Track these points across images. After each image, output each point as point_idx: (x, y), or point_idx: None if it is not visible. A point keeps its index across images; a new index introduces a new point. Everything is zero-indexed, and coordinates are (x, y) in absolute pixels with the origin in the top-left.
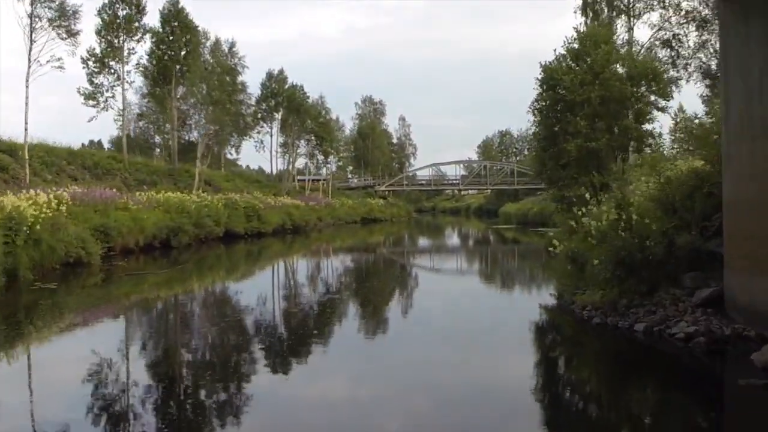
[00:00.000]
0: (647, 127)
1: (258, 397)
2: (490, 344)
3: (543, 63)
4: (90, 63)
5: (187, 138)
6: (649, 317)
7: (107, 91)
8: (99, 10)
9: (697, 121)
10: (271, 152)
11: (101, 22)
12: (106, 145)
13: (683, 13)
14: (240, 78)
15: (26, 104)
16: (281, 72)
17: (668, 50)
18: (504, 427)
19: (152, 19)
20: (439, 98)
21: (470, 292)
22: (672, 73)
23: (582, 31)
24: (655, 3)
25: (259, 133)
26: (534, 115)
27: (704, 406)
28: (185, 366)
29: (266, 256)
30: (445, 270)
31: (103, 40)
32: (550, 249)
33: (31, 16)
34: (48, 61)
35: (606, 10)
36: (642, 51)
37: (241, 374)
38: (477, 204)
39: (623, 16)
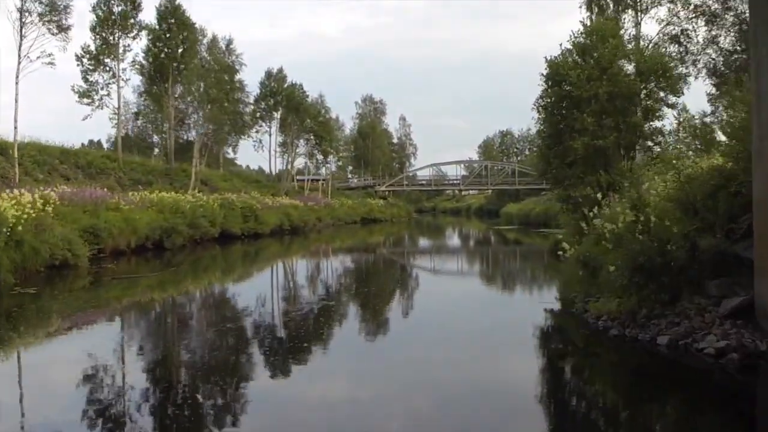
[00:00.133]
0: (656, 124)
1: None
2: (499, 359)
3: (548, 58)
4: (84, 60)
5: (185, 137)
6: (673, 329)
7: (102, 89)
8: (94, 6)
9: (707, 119)
10: (269, 152)
11: (96, 19)
12: (105, 145)
13: (692, 7)
14: (238, 76)
15: (16, 101)
16: (280, 71)
17: (676, 46)
18: None
19: (148, 15)
20: (440, 98)
21: (473, 297)
22: (681, 69)
23: (589, 24)
24: None
25: (257, 132)
26: (538, 112)
27: (740, 429)
28: (169, 382)
29: (263, 257)
30: (447, 273)
31: (97, 36)
32: (560, 253)
33: (20, 10)
34: (38, 57)
35: (612, 5)
36: (650, 47)
37: (232, 391)
38: (478, 204)
39: (630, 11)
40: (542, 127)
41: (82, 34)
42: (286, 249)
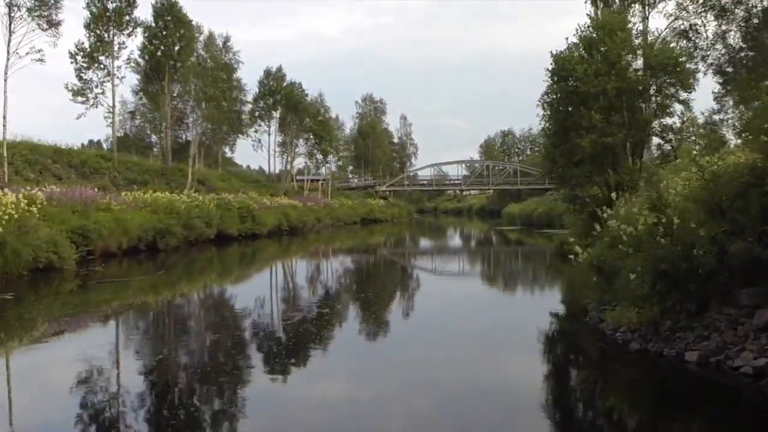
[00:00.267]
0: (667, 121)
1: None
2: (509, 377)
3: (554, 52)
4: (78, 58)
5: (184, 137)
6: (702, 344)
7: (97, 87)
8: (88, 3)
9: (716, 116)
10: (268, 151)
11: (90, 15)
12: (105, 146)
13: (701, 1)
14: (236, 74)
15: (5, 98)
16: (279, 69)
17: (685, 41)
18: None
19: (143, 12)
20: (440, 98)
21: (478, 303)
22: (689, 65)
23: (596, 17)
24: None
25: (256, 131)
26: (543, 108)
27: None
28: (147, 400)
29: (259, 259)
30: (448, 275)
31: (92, 33)
32: (571, 256)
33: (9, 5)
34: (27, 53)
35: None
36: (658, 42)
37: (219, 408)
38: (479, 204)
39: (636, 5)
40: (547, 125)
41: (77, 31)
42: (284, 250)
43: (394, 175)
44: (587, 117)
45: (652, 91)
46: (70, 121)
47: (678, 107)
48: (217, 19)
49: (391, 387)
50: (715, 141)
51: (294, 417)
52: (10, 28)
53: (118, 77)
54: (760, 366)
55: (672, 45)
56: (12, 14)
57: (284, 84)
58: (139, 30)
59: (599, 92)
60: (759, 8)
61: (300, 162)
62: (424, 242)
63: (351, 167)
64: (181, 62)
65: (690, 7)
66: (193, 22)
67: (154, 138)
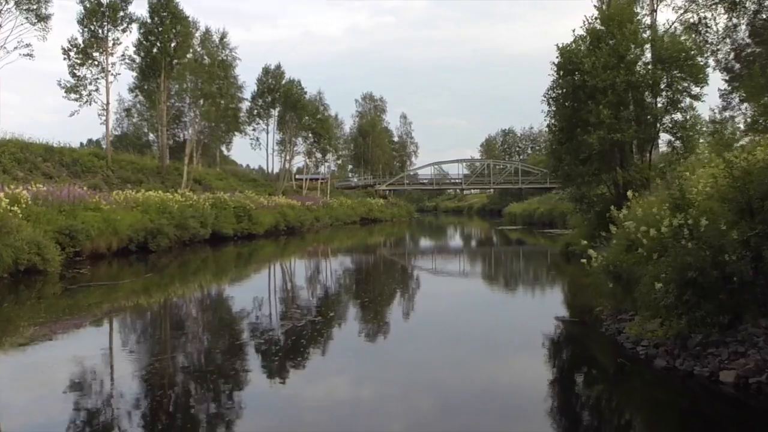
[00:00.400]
0: (678, 117)
1: None
2: (519, 398)
3: (560, 45)
4: (72, 54)
5: (182, 136)
6: (739, 361)
7: (90, 84)
8: None
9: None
10: (267, 150)
11: (83, 10)
12: (104, 145)
13: None
14: (233, 71)
15: None
16: (278, 67)
17: (694, 35)
18: None
19: (139, 8)
20: (441, 98)
21: (484, 310)
22: (698, 60)
23: (604, 8)
24: None
25: (254, 130)
26: (548, 104)
27: None
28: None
29: (255, 260)
30: (450, 276)
31: (85, 29)
32: (583, 261)
33: None
34: (15, 48)
35: None
36: (667, 35)
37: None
38: (480, 204)
39: None
40: (552, 121)
41: (69, 27)
42: (281, 251)
43: (394, 174)
44: (595, 112)
45: (662, 86)
46: (70, 121)
47: (688, 102)
48: (217, 19)
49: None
50: (727, 137)
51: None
52: None
53: (112, 74)
54: None
55: (683, 38)
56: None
57: (283, 82)
58: (134, 26)
59: (608, 86)
60: None
61: (299, 161)
62: (424, 242)
63: (351, 166)
64: (177, 59)
65: (700, 0)
66: (190, 18)
67: (152, 136)
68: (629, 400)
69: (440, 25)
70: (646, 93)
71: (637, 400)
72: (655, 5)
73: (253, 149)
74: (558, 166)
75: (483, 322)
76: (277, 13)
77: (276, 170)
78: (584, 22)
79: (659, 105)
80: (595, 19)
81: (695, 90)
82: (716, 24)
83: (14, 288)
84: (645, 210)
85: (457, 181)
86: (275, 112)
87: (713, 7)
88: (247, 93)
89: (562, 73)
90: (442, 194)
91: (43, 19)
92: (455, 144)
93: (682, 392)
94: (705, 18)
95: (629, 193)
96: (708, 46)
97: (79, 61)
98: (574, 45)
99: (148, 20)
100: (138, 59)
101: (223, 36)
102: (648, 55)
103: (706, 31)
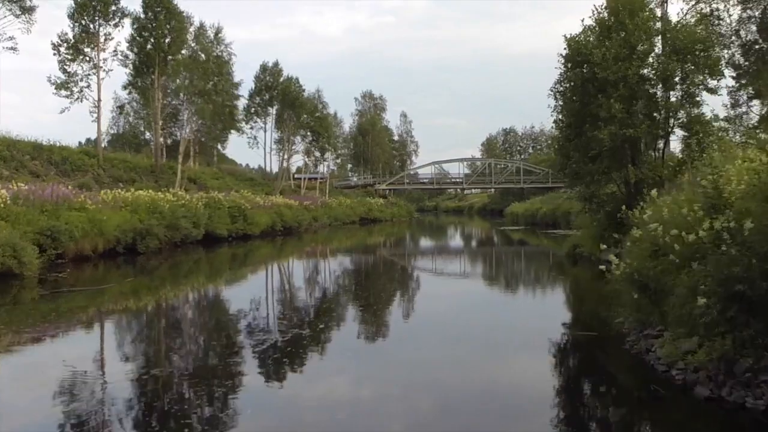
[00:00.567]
0: (695, 111)
1: None
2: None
3: (568, 36)
4: (62, 49)
5: (178, 134)
6: None
7: (82, 80)
8: None
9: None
10: (265, 149)
11: (74, 5)
12: (103, 144)
13: None
14: (229, 68)
15: None
16: (276, 64)
17: (708, 26)
18: None
19: (131, 3)
20: (441, 98)
21: (491, 319)
22: (715, 51)
23: None
24: None
25: (252, 128)
26: (555, 99)
27: None
28: None
29: (250, 261)
30: (451, 276)
31: (76, 24)
32: (602, 267)
33: None
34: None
35: None
36: (680, 25)
37: None
38: (481, 203)
39: None
40: (560, 116)
41: (60, 22)
42: (277, 252)
43: (394, 173)
44: (606, 106)
45: (677, 79)
46: (69, 121)
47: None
48: (217, 19)
49: None
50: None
51: None
52: None
53: (104, 70)
54: None
55: (699, 28)
56: None
57: (281, 79)
58: (127, 21)
59: (619, 79)
60: None
61: (298, 160)
62: (424, 243)
63: (350, 165)
64: (172, 55)
65: None
66: (184, 14)
67: (148, 135)
68: None
69: (440, 25)
70: (659, 86)
71: None
72: None
73: (250, 148)
74: (566, 164)
75: (493, 334)
76: (277, 12)
77: (275, 169)
78: (593, 11)
79: (672, 99)
80: (605, 8)
81: (711, 83)
82: (729, 16)
83: None
84: (672, 210)
85: (457, 180)
86: (273, 110)
87: None
88: (245, 91)
89: (570, 65)
90: (442, 194)
91: (27, 11)
92: (455, 144)
93: (732, 430)
94: (717, 9)
95: (653, 192)
96: (720, 39)
97: (69, 57)
98: (582, 36)
99: (142, 15)
100: (131, 55)
101: (218, 31)
102: (659, 47)
103: (719, 24)
